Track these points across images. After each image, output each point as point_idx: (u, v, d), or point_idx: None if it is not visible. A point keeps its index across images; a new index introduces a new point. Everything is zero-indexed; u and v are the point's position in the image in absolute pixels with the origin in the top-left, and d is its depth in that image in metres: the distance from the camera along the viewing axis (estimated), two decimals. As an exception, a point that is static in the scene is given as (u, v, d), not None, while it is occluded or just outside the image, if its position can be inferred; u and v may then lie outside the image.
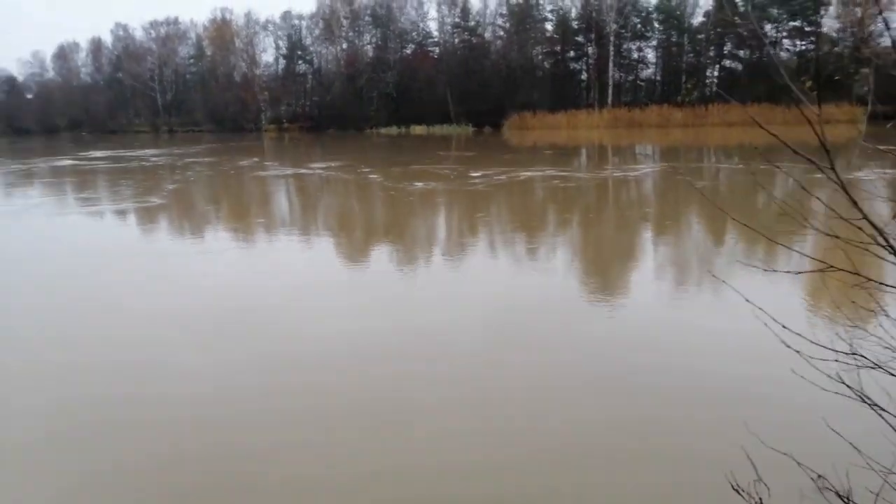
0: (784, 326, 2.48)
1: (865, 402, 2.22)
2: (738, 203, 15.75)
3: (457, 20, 75.69)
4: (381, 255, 11.57)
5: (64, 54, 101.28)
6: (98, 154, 43.51)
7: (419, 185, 20.93)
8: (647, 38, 67.30)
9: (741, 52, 60.03)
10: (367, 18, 78.66)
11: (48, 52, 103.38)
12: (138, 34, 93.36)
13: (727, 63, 63.01)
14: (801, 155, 1.95)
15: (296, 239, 13.25)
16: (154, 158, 38.14)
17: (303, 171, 27.54)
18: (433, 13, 77.84)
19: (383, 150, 43.45)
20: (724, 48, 61.99)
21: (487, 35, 75.54)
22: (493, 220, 15.23)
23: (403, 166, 28.34)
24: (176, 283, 9.70)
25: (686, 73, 63.89)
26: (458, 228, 14.71)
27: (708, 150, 32.39)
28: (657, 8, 65.54)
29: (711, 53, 62.65)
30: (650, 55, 68.04)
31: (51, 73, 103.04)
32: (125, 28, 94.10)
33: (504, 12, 73.67)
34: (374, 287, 9.35)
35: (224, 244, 13.10)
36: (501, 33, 74.93)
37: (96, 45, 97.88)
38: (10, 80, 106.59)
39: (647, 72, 68.83)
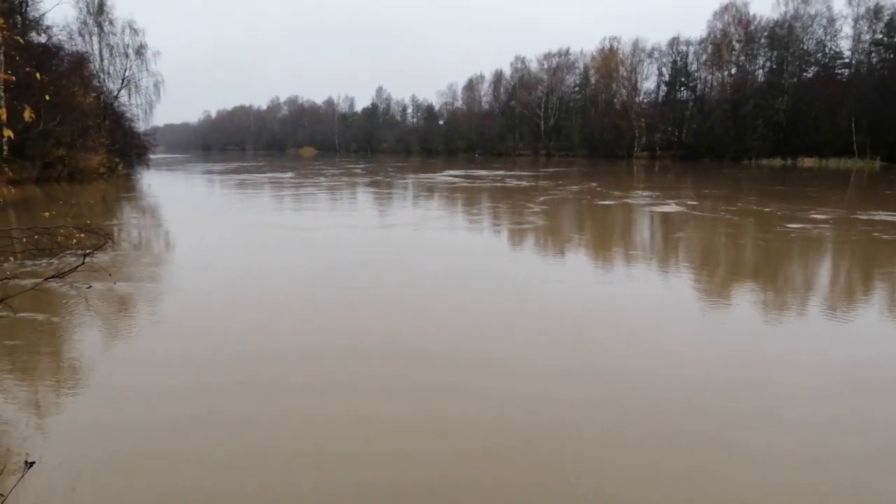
0: None
1: None
2: None
3: (878, 36, 64.58)
4: (745, 298, 10.28)
5: (471, 85, 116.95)
6: (485, 173, 49.02)
7: (796, 226, 18.28)
8: None
9: None
10: (762, 41, 72.53)
11: (460, 83, 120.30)
12: (533, 66, 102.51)
13: None
14: None
15: (654, 271, 12.68)
16: (532, 181, 41.20)
17: (668, 201, 26.55)
18: (847, 30, 67.68)
19: (764, 183, 39.37)
20: None
21: (919, 52, 62.74)
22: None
23: (783, 203, 25.14)
24: (527, 299, 10.12)
25: None
26: (844, 280, 12.32)
27: None
28: None
29: None
30: None
31: (459, 102, 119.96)
32: (523, 60, 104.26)
33: (948, 23, 60.43)
34: (732, 331, 8.32)
35: (581, 268, 13.30)
36: (940, 49, 61.58)
37: (497, 77, 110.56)
38: (429, 109, 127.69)
39: None
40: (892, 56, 63.36)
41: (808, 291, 10.82)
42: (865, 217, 19.68)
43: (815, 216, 19.87)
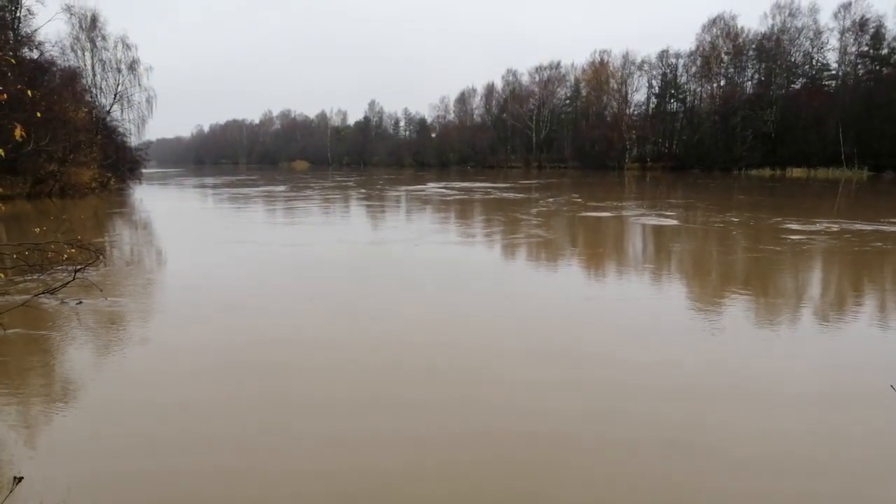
0: None
1: None
2: None
3: (864, 49, 65.47)
4: (736, 305, 10.36)
5: (463, 98, 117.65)
6: (477, 185, 49.22)
7: (794, 238, 18.45)
8: None
9: None
10: (750, 53, 73.34)
11: (452, 97, 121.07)
12: (524, 79, 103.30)
13: None
14: None
15: (646, 280, 12.80)
16: (524, 193, 41.37)
17: (657, 212, 26.76)
18: (833, 42, 68.56)
19: (753, 193, 39.71)
20: None
21: (905, 64, 63.60)
22: (888, 288, 12.51)
23: (772, 214, 25.38)
24: (515, 304, 10.20)
25: None
26: (833, 291, 12.45)
27: None
28: None
29: None
30: None
31: (451, 115, 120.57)
32: (514, 73, 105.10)
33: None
34: (720, 335, 8.41)
35: (574, 278, 13.40)
36: (925, 61, 62.50)
37: (489, 90, 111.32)
38: (421, 122, 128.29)
39: None
40: (877, 68, 64.28)
41: (796, 301, 10.94)
42: (864, 226, 19.91)
43: (808, 224, 20.04)
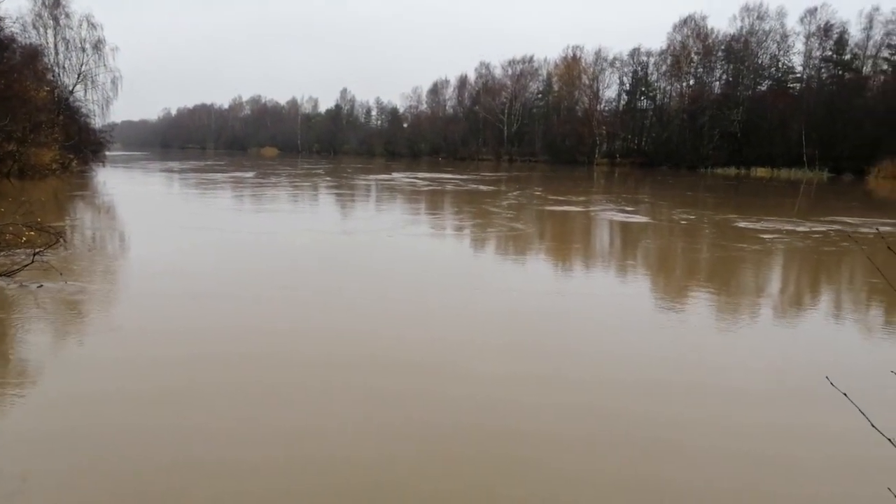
0: None
1: None
2: None
3: (828, 53, 66.98)
4: (697, 301, 10.59)
5: (436, 89, 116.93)
6: (447, 176, 49.20)
7: (767, 237, 18.86)
8: None
9: None
10: (719, 54, 74.46)
11: (425, 87, 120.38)
12: (497, 72, 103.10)
13: None
14: None
15: (611, 273, 12.98)
16: (491, 185, 41.49)
17: (620, 208, 27.09)
18: (799, 46, 70.02)
19: (718, 191, 40.50)
20: None
21: (866, 69, 65.31)
22: (843, 286, 12.89)
23: (735, 211, 25.92)
24: (485, 295, 10.27)
25: None
26: (794, 287, 12.81)
27: None
28: None
29: None
30: None
31: (424, 106, 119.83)
32: (487, 66, 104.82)
33: (894, 42, 62.92)
34: (677, 329, 8.60)
35: (543, 272, 13.51)
36: (885, 67, 64.16)
37: (462, 82, 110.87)
38: (394, 111, 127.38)
39: None
40: (839, 73, 65.89)
41: (760, 296, 11.22)
42: (821, 226, 20.47)
43: (772, 222, 20.51)
